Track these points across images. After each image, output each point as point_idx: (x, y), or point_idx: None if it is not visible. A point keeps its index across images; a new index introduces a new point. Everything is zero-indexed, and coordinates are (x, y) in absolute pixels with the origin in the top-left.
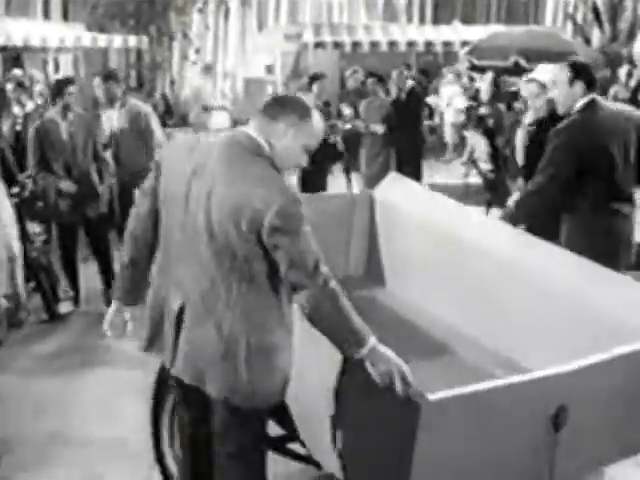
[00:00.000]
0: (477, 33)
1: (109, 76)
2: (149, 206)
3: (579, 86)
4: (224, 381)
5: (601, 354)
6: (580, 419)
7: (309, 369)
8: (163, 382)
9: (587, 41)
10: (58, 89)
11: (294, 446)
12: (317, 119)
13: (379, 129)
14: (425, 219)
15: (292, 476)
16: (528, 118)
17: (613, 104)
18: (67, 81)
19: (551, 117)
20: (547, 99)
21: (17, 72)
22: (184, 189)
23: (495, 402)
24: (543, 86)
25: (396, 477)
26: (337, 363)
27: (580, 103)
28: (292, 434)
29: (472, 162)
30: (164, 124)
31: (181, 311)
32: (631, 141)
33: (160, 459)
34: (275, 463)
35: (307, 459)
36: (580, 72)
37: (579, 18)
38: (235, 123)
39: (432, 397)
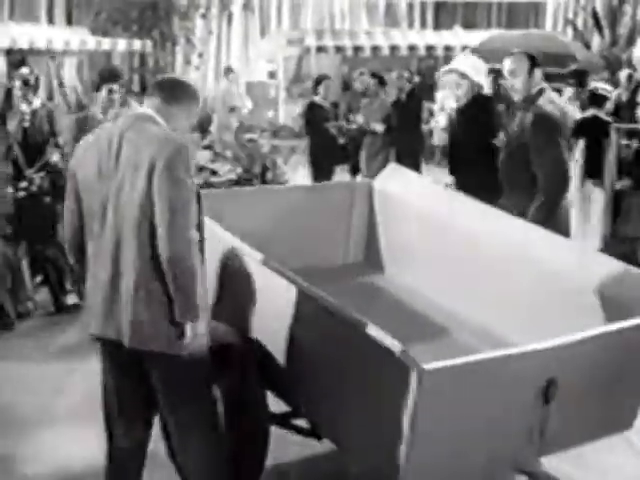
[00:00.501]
0: (478, 38)
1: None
2: (73, 207)
3: (538, 74)
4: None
5: (590, 330)
6: (569, 392)
7: (314, 345)
8: None
9: (587, 46)
10: (98, 86)
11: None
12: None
13: (379, 128)
14: (422, 207)
15: (294, 448)
16: (451, 104)
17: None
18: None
19: (475, 101)
20: (471, 86)
21: (24, 70)
22: (95, 169)
23: (488, 373)
24: (463, 75)
25: (392, 447)
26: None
27: (535, 89)
28: (296, 410)
29: None
30: None
31: (111, 279)
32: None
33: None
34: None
35: (309, 432)
36: (536, 62)
37: (579, 23)
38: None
39: (428, 366)
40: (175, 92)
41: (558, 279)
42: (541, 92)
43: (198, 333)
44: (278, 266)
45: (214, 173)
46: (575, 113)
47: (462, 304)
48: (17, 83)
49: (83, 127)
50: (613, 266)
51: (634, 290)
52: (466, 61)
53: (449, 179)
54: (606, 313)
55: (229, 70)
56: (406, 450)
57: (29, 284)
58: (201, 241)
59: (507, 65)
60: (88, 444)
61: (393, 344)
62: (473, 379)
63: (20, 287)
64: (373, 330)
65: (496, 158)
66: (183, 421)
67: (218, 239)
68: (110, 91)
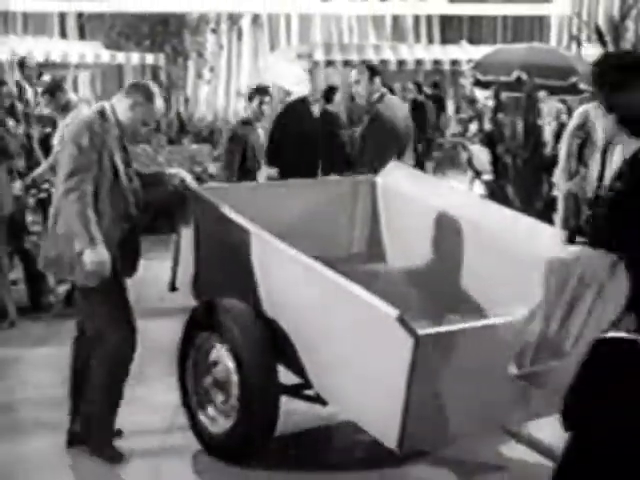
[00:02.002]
0: (484, 52)
1: None
2: None
3: (377, 82)
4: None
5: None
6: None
7: (319, 318)
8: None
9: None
10: None
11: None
12: (158, 104)
13: None
14: (422, 200)
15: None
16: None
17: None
18: None
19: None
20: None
21: (45, 78)
22: None
23: (477, 339)
24: (287, 92)
25: (391, 409)
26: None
27: (376, 95)
28: (306, 383)
29: (474, 171)
30: (179, 141)
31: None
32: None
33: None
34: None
35: (315, 399)
36: (376, 71)
37: (583, 39)
38: None
39: (422, 332)
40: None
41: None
42: (381, 97)
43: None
44: (285, 245)
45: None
46: None
47: (459, 289)
48: (39, 90)
49: None
50: None
51: None
52: (286, 71)
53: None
54: None
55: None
56: (402, 412)
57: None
58: None
59: (353, 75)
60: None
61: (391, 311)
62: (464, 345)
63: (41, 280)
64: (374, 300)
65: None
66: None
67: (234, 225)
68: None
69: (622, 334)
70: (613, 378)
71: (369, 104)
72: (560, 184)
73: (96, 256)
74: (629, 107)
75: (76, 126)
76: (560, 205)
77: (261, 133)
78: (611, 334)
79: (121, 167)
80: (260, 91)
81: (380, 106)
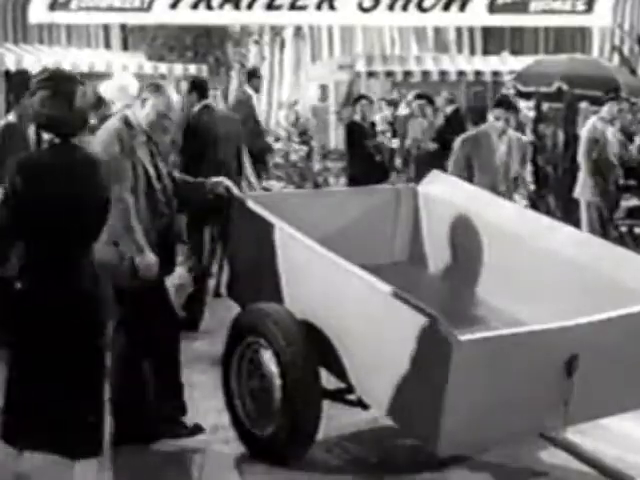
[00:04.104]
0: (525, 63)
1: None
2: None
3: (194, 95)
4: None
5: (608, 312)
6: (590, 368)
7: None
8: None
9: (633, 72)
10: None
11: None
12: (169, 94)
13: (432, 146)
14: (463, 209)
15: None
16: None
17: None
18: None
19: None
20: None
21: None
22: None
23: (517, 345)
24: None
25: (430, 413)
26: None
27: (197, 107)
28: (349, 387)
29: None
30: None
31: None
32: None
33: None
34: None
35: (356, 403)
36: (196, 85)
37: (625, 50)
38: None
39: (463, 338)
40: None
41: (583, 273)
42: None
43: None
44: (328, 251)
45: (267, 190)
46: None
47: (499, 297)
48: None
49: None
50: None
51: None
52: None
53: None
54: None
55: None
56: (442, 415)
57: None
58: None
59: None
60: None
61: (432, 316)
62: (503, 350)
63: None
64: (416, 305)
65: None
66: None
67: (280, 233)
68: None
69: None
70: None
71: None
72: None
73: (145, 260)
74: None
75: (106, 136)
76: None
77: None
78: None
79: (151, 170)
80: None
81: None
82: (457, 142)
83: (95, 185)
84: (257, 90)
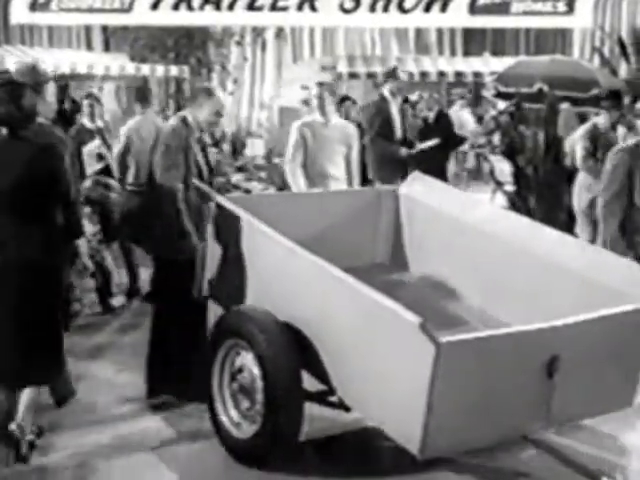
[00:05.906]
0: (506, 64)
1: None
2: None
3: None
4: None
5: (589, 313)
6: (571, 370)
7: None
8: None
9: (614, 73)
10: None
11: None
12: (218, 95)
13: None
14: (444, 211)
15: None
16: None
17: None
18: None
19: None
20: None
21: (94, 90)
22: None
23: (498, 347)
24: None
25: (413, 415)
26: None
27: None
28: (330, 389)
29: (496, 183)
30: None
31: None
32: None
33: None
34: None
35: (338, 405)
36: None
37: (606, 51)
38: (270, 151)
39: (444, 339)
40: None
41: (559, 272)
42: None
43: None
44: (309, 253)
45: (248, 192)
46: None
47: (480, 298)
48: (85, 101)
49: None
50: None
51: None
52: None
53: None
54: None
55: None
56: (425, 417)
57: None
58: None
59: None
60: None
61: (414, 319)
62: (485, 352)
63: (69, 289)
64: (397, 307)
65: None
66: None
67: (261, 236)
68: None
69: None
70: None
71: None
72: None
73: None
74: None
75: (167, 132)
76: None
77: None
78: None
79: (202, 161)
80: None
81: None
82: (614, 154)
83: (38, 167)
84: None
